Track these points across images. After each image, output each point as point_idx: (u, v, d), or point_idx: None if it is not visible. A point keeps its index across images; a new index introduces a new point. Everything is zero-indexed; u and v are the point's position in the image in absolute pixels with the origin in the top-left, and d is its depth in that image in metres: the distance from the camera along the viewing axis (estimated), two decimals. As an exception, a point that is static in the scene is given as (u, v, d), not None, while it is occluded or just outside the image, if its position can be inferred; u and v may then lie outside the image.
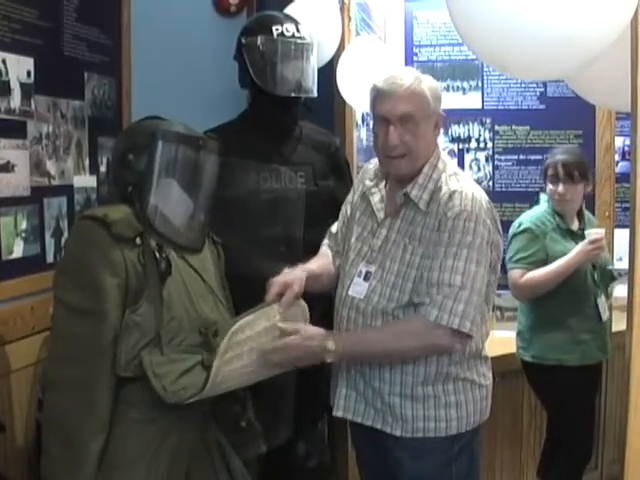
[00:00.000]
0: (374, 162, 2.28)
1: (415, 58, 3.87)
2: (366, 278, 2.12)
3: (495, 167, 3.88)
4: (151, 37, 3.08)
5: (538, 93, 3.82)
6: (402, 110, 2.06)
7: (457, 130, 3.87)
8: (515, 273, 3.08)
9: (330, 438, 3.15)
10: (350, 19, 3.36)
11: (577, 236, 3.08)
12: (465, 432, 2.12)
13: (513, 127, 3.86)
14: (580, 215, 3.20)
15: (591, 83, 2.12)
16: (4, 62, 2.22)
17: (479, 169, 3.87)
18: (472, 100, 3.86)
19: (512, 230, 3.16)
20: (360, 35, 3.42)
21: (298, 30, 2.69)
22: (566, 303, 3.05)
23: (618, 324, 3.12)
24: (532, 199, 3.38)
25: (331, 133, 2.98)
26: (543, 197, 3.21)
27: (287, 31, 2.67)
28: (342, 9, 3.31)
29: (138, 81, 3.02)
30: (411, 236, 2.08)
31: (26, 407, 2.31)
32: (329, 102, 3.27)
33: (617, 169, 3.86)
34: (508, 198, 3.83)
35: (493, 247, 2.06)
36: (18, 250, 2.32)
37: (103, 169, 2.78)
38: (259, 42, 2.65)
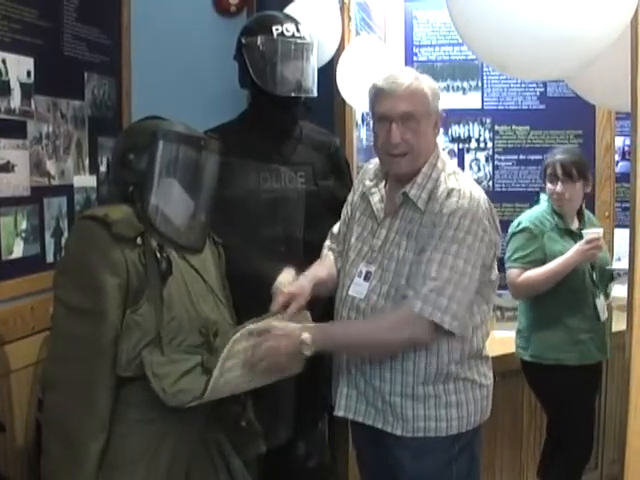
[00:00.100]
0: (374, 162, 2.28)
1: (415, 58, 3.87)
2: (366, 278, 2.12)
3: (495, 167, 3.88)
4: (151, 37, 3.08)
5: (538, 93, 3.82)
6: (403, 108, 2.06)
7: (457, 130, 3.87)
8: (513, 272, 3.08)
9: (330, 438, 3.15)
10: (350, 19, 3.36)
11: (576, 236, 3.08)
12: (466, 432, 2.12)
13: (513, 127, 3.86)
14: (580, 215, 3.20)
15: (591, 83, 2.12)
16: (4, 62, 2.22)
17: (479, 169, 3.87)
18: (472, 100, 3.86)
19: (511, 229, 3.16)
20: (360, 35, 3.42)
21: (298, 30, 2.69)
22: (564, 302, 3.05)
23: (618, 324, 3.12)
24: (532, 199, 3.39)
25: (331, 133, 2.98)
26: (543, 197, 3.21)
27: (287, 31, 2.67)
28: (342, 9, 3.31)
29: (138, 81, 3.03)
30: (408, 234, 2.09)
31: (26, 407, 2.31)
32: (329, 102, 3.27)
33: (617, 169, 3.86)
34: (508, 198, 3.83)
35: (490, 247, 2.06)
36: (18, 250, 2.32)
37: (103, 169, 2.78)
38: (259, 42, 2.65)
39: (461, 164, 3.83)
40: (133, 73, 3.02)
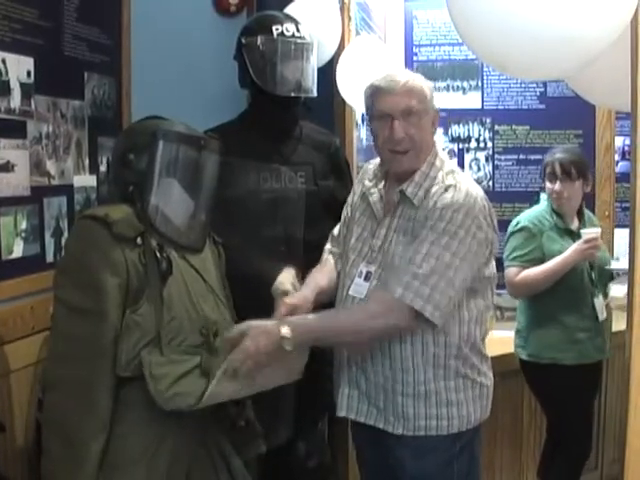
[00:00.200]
0: (373, 163, 2.28)
1: (415, 58, 3.87)
2: (366, 278, 2.12)
3: (495, 167, 3.88)
4: (151, 37, 3.08)
5: (538, 93, 3.82)
6: (404, 104, 2.07)
7: (457, 130, 3.87)
8: (511, 271, 3.08)
9: (330, 438, 3.15)
10: (350, 19, 3.36)
11: (575, 235, 3.08)
12: (466, 430, 2.12)
13: (513, 127, 3.86)
14: (580, 214, 3.20)
15: (591, 83, 2.12)
16: (4, 62, 2.22)
17: (479, 169, 3.88)
18: (472, 100, 3.86)
19: (510, 228, 3.17)
20: (360, 35, 3.43)
21: (298, 30, 2.69)
22: (562, 301, 3.05)
23: (618, 324, 3.12)
24: (532, 199, 3.39)
25: (331, 133, 2.98)
26: (543, 196, 3.22)
27: (287, 31, 2.67)
28: (342, 9, 3.31)
29: (138, 81, 3.02)
30: (405, 232, 2.08)
31: (26, 407, 2.31)
32: (329, 102, 3.27)
33: (617, 169, 3.87)
34: (508, 198, 3.83)
35: (483, 244, 2.05)
36: (18, 250, 2.32)
37: (103, 169, 2.78)
38: (259, 42, 2.65)
39: (461, 164, 3.83)
40: (133, 73, 3.02)
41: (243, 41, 2.69)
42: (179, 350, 1.93)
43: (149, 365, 1.85)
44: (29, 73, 2.34)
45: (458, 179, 2.09)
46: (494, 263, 2.16)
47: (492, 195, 3.50)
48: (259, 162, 2.64)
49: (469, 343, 2.10)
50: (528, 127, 3.85)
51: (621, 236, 3.55)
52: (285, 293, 2.43)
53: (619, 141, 3.95)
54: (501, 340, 3.29)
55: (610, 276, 3.24)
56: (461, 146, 3.89)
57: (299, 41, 2.67)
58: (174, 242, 2.03)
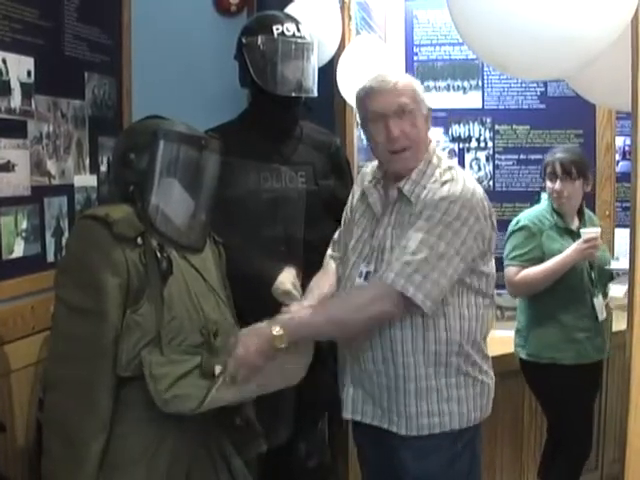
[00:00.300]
0: (371, 165, 2.28)
1: (415, 57, 3.87)
2: (366, 278, 2.12)
3: (495, 167, 3.88)
4: (151, 37, 3.08)
5: (538, 93, 3.82)
6: (398, 102, 2.07)
7: (457, 130, 3.87)
8: (510, 270, 3.08)
9: (330, 438, 3.15)
10: (350, 18, 3.36)
11: (576, 235, 3.08)
12: (467, 428, 2.12)
13: (513, 127, 3.86)
14: (580, 214, 3.20)
15: (591, 83, 2.12)
16: (4, 62, 2.22)
17: (479, 169, 3.87)
18: (472, 100, 3.85)
19: (510, 227, 3.17)
20: (360, 34, 3.43)
21: (298, 30, 2.69)
22: (562, 301, 3.05)
23: (618, 324, 3.12)
24: (532, 198, 3.39)
25: (331, 133, 2.98)
26: (544, 196, 3.22)
27: (287, 31, 2.67)
28: (342, 8, 3.31)
29: (138, 81, 3.03)
30: (400, 226, 2.09)
31: (26, 407, 2.31)
32: (329, 102, 3.28)
33: (617, 169, 3.86)
34: (508, 198, 3.83)
35: (479, 237, 2.05)
36: (18, 250, 2.32)
37: (103, 169, 2.78)
38: (260, 42, 2.65)
39: (461, 164, 3.82)
40: (133, 73, 3.02)
41: (243, 41, 2.69)
42: (179, 350, 1.93)
43: (149, 365, 1.85)
44: (29, 73, 2.34)
45: (455, 175, 2.10)
46: (493, 262, 2.16)
47: (492, 195, 3.50)
48: (259, 162, 2.64)
49: (470, 340, 2.11)
50: (528, 127, 3.84)
51: (621, 236, 3.55)
52: (286, 293, 2.44)
53: (619, 141, 3.94)
54: (501, 340, 3.29)
55: (610, 276, 3.24)
56: (461, 146, 3.88)
57: (299, 41, 2.67)
58: (174, 242, 2.03)
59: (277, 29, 2.66)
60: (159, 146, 2.01)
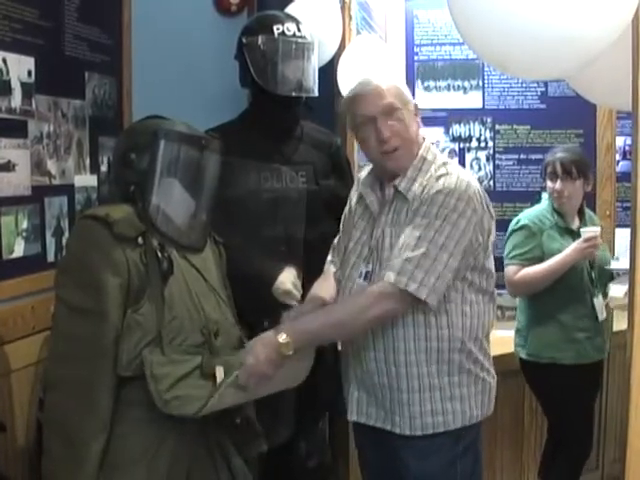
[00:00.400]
0: (367, 169, 2.29)
1: (416, 57, 3.86)
2: (366, 278, 2.12)
3: (496, 166, 3.88)
4: (152, 37, 3.08)
5: (539, 92, 3.81)
6: (384, 103, 2.09)
7: (458, 129, 3.87)
8: (510, 269, 3.08)
9: (331, 437, 3.15)
10: (351, 18, 3.36)
11: (576, 235, 3.08)
12: (470, 428, 2.12)
13: (514, 126, 3.85)
14: (581, 214, 3.20)
15: (592, 82, 2.12)
16: (5, 61, 2.22)
17: (480, 168, 3.87)
18: (473, 99, 3.85)
19: (510, 227, 3.17)
20: (361, 34, 3.43)
21: (299, 29, 2.69)
22: (562, 301, 3.05)
23: (619, 323, 3.12)
24: (533, 198, 3.39)
25: (332, 132, 2.98)
26: (544, 196, 3.22)
27: (288, 30, 2.67)
28: (343, 8, 3.31)
29: (139, 81, 3.03)
30: (396, 223, 2.10)
31: (27, 407, 2.31)
32: (330, 101, 3.27)
33: (618, 168, 3.85)
34: (509, 197, 3.82)
35: (478, 228, 2.05)
36: (19, 249, 2.32)
37: (104, 169, 2.78)
38: (260, 41, 2.65)
39: (462, 163, 3.81)
40: (134, 73, 3.02)
41: (244, 41, 2.69)
42: (180, 350, 1.93)
43: (150, 365, 1.85)
44: (30, 73, 2.34)
45: (449, 169, 2.11)
46: (492, 258, 2.16)
47: (493, 195, 3.49)
48: (260, 162, 2.64)
49: (472, 337, 2.11)
50: (529, 127, 3.84)
51: (622, 236, 3.54)
52: (286, 292, 2.45)
53: (620, 141, 3.94)
54: (501, 340, 3.28)
55: (610, 276, 3.24)
56: (462, 145, 3.88)
57: (300, 41, 2.67)
58: (175, 242, 2.03)
59: (278, 29, 2.66)
60: (160, 146, 2.01)
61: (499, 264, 2.28)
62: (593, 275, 3.10)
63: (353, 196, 2.30)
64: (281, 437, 2.60)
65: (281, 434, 2.60)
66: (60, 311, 1.92)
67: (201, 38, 3.30)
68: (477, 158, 3.87)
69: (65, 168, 2.55)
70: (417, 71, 3.84)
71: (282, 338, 1.95)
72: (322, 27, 3.04)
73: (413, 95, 3.78)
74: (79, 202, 2.64)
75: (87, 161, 2.70)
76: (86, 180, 2.69)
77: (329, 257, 2.36)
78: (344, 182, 2.76)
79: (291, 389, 2.21)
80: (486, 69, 3.80)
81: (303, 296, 2.45)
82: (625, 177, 3.51)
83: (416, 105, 2.19)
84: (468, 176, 2.12)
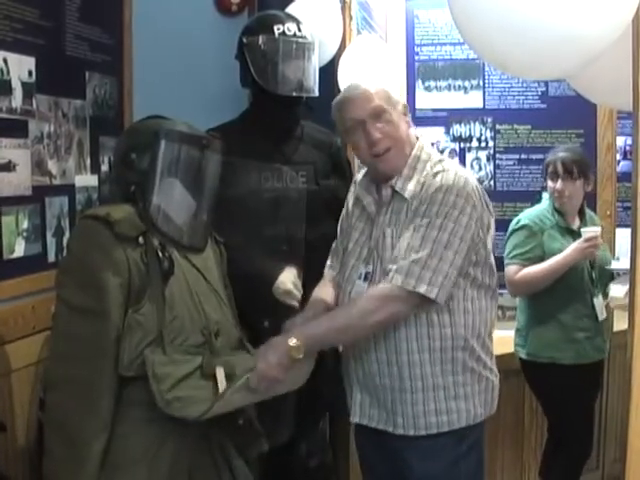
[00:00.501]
0: (362, 173, 2.29)
1: (416, 57, 3.86)
2: (366, 279, 2.13)
3: (496, 166, 3.88)
4: (152, 37, 3.08)
5: (539, 92, 3.81)
6: (372, 106, 2.11)
7: (458, 129, 3.87)
8: (511, 269, 3.08)
9: (331, 437, 3.15)
10: (351, 18, 3.36)
11: (576, 235, 3.08)
12: (473, 428, 2.12)
13: (514, 126, 3.85)
14: (581, 214, 3.20)
15: (592, 82, 2.11)
16: (5, 61, 2.22)
17: (480, 168, 3.87)
18: (473, 99, 3.85)
19: (511, 226, 3.17)
20: (361, 34, 3.42)
21: (299, 29, 2.69)
22: (562, 300, 3.05)
23: (619, 323, 3.12)
24: (533, 198, 3.39)
25: (332, 132, 2.96)
26: (545, 195, 3.22)
27: (288, 30, 2.67)
28: (343, 8, 3.31)
29: (139, 80, 3.03)
30: (396, 223, 2.10)
31: (27, 406, 2.31)
32: (330, 101, 3.25)
33: (618, 168, 3.85)
34: (509, 197, 3.82)
35: (479, 223, 2.06)
36: (19, 249, 2.32)
37: (104, 168, 2.78)
38: (260, 41, 2.65)
39: (462, 163, 3.82)
40: (134, 72, 3.02)
41: (244, 40, 2.69)
42: (181, 350, 1.93)
43: (152, 364, 1.85)
44: (30, 73, 2.34)
45: (446, 165, 2.12)
46: (492, 253, 2.17)
47: (494, 194, 3.50)
48: (260, 162, 2.64)
49: (475, 335, 2.11)
50: (529, 126, 3.84)
51: (622, 236, 3.54)
52: (286, 292, 2.44)
53: (620, 140, 3.94)
54: (502, 340, 3.28)
55: (610, 276, 3.24)
56: (462, 145, 3.88)
57: (300, 40, 2.67)
58: (176, 242, 2.03)
59: (278, 29, 2.66)
60: (160, 146, 2.00)
61: (499, 264, 2.28)
62: (593, 275, 3.10)
63: (350, 198, 2.31)
64: (282, 437, 2.60)
65: (282, 434, 2.60)
66: (61, 311, 1.92)
67: (202, 38, 3.30)
68: (478, 158, 3.87)
69: (66, 168, 2.55)
70: (418, 71, 3.85)
71: (292, 342, 1.97)
72: (322, 27, 3.04)
73: (414, 95, 3.83)
74: (80, 202, 2.64)
75: (88, 161, 2.70)
76: (87, 180, 2.69)
77: (328, 262, 2.35)
78: (344, 182, 2.75)
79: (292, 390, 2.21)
80: (486, 69, 3.81)
81: (303, 296, 2.45)
82: (626, 177, 3.50)
83: (405, 105, 2.20)
84: (465, 172, 2.13)
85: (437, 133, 3.83)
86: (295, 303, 2.47)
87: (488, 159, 3.88)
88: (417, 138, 2.20)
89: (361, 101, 2.12)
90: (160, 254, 1.95)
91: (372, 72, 3.00)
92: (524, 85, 3.81)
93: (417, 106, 3.82)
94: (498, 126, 3.86)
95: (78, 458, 1.85)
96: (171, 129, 2.04)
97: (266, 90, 2.64)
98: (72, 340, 1.88)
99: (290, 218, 2.65)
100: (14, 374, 2.26)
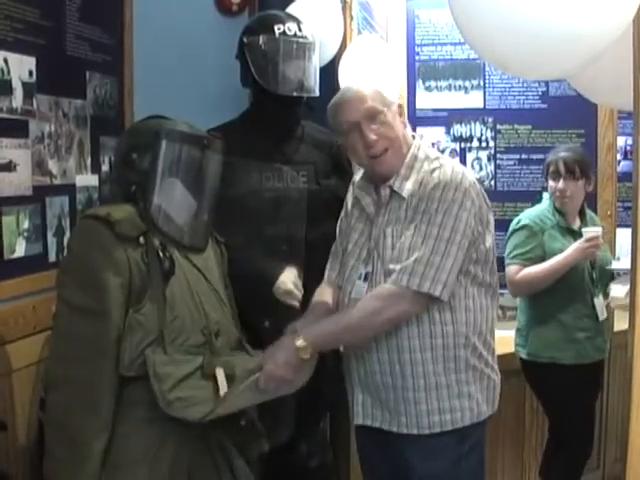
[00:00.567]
0: (359, 174, 2.29)
1: (417, 57, 3.86)
2: (365, 279, 2.13)
3: (497, 166, 3.87)
4: (153, 36, 3.08)
5: (540, 92, 3.81)
6: (366, 107, 2.11)
7: (459, 129, 3.86)
8: (512, 269, 3.08)
9: (332, 437, 3.15)
10: (352, 18, 3.36)
11: (577, 235, 3.08)
12: (475, 427, 2.12)
13: (515, 126, 3.85)
14: (582, 214, 3.20)
15: (593, 82, 2.12)
16: (6, 61, 2.22)
17: (481, 168, 3.87)
18: (474, 99, 3.85)
19: (511, 226, 3.17)
20: (362, 34, 3.42)
21: (300, 29, 2.69)
22: (562, 300, 3.05)
23: (620, 323, 3.12)
24: (534, 198, 3.38)
25: (333, 132, 2.97)
26: (545, 196, 3.22)
27: (289, 30, 2.67)
28: (344, 8, 3.31)
29: (140, 80, 3.03)
30: (396, 222, 2.10)
31: (28, 406, 2.31)
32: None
33: (619, 168, 3.85)
34: (510, 197, 3.82)
35: (478, 218, 2.07)
36: (20, 249, 2.32)
37: (105, 168, 2.79)
38: (261, 41, 2.65)
39: (463, 163, 3.82)
40: (135, 72, 3.02)
41: (245, 40, 2.69)
42: (182, 350, 1.93)
43: (153, 364, 1.85)
44: (31, 72, 2.34)
45: (442, 162, 2.13)
46: (493, 251, 2.17)
47: (494, 194, 3.50)
48: (261, 161, 2.64)
49: (476, 332, 2.11)
50: (530, 126, 3.84)
51: (623, 236, 3.54)
52: (287, 292, 2.45)
53: (621, 140, 3.94)
54: (502, 340, 3.28)
55: (611, 276, 3.24)
56: (463, 145, 3.88)
57: (301, 40, 2.67)
58: (176, 242, 2.03)
59: (279, 29, 2.66)
60: (161, 146, 2.01)
61: (500, 264, 2.28)
62: (594, 275, 3.10)
63: (349, 199, 2.31)
64: (282, 437, 2.60)
65: (282, 434, 2.60)
66: (61, 311, 1.92)
67: (202, 38, 3.30)
68: (478, 158, 3.87)
69: (66, 168, 2.55)
70: (418, 71, 3.84)
71: (300, 342, 1.99)
72: (323, 27, 3.04)
73: (414, 95, 3.82)
74: (80, 202, 2.64)
75: (88, 161, 2.70)
76: (87, 180, 2.69)
77: (328, 264, 2.35)
78: (345, 182, 2.74)
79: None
80: (487, 69, 3.81)
81: (304, 296, 2.45)
82: (626, 177, 3.51)
83: (400, 105, 2.21)
84: (462, 167, 2.14)
85: (437, 133, 3.82)
86: (296, 303, 2.47)
87: (489, 159, 3.88)
88: (413, 137, 2.21)
89: (355, 103, 2.13)
90: (161, 254, 1.95)
91: (373, 72, 3.00)
92: (525, 85, 3.80)
93: (417, 106, 3.82)
94: (499, 126, 3.86)
95: (78, 458, 1.85)
96: (172, 129, 2.04)
97: (267, 90, 2.64)
98: (73, 340, 1.89)
99: (291, 218, 2.65)
100: (15, 374, 2.26)
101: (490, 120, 3.86)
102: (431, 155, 2.17)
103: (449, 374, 2.08)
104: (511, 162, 3.87)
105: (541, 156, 3.53)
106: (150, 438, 1.92)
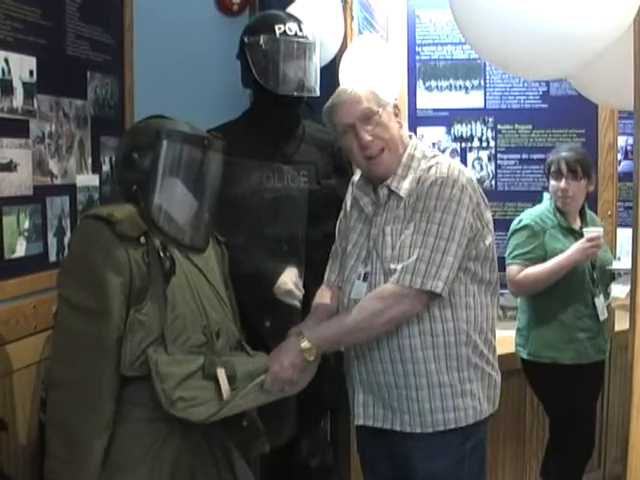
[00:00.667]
0: (358, 174, 2.30)
1: (417, 57, 3.86)
2: (365, 279, 2.13)
3: (498, 166, 3.87)
4: (154, 36, 3.08)
5: (541, 92, 3.81)
6: (360, 109, 2.12)
7: (460, 129, 3.86)
8: (512, 269, 3.08)
9: (332, 437, 3.15)
10: (352, 18, 3.35)
11: (578, 235, 3.08)
12: (477, 426, 2.13)
13: (516, 126, 3.85)
14: (582, 214, 3.20)
15: (594, 82, 2.11)
16: (7, 61, 2.22)
17: (481, 168, 3.87)
18: (475, 99, 3.85)
19: (512, 226, 3.17)
20: (362, 34, 3.42)
21: (300, 29, 2.69)
22: (562, 300, 3.05)
23: (620, 323, 3.11)
24: (535, 198, 3.38)
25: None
26: (546, 195, 3.21)
27: (290, 30, 2.67)
28: (344, 8, 3.30)
29: (141, 80, 3.02)
30: (395, 221, 2.11)
31: (29, 406, 2.31)
32: (331, 101, 3.27)
33: (619, 168, 3.85)
34: (511, 197, 3.82)
35: (476, 214, 2.08)
36: (21, 249, 2.32)
37: (105, 168, 2.78)
38: (262, 41, 2.65)
39: (464, 163, 3.81)
40: (136, 72, 3.01)
41: (245, 40, 2.69)
42: (183, 349, 1.93)
43: (155, 363, 1.85)
44: (32, 72, 2.34)
45: (439, 159, 2.14)
46: (493, 249, 2.17)
47: (495, 194, 3.51)
48: (262, 161, 2.64)
49: (477, 329, 2.12)
50: (531, 126, 3.84)
51: (623, 236, 3.54)
52: (287, 292, 2.45)
53: (622, 140, 3.94)
54: (503, 340, 3.28)
55: (611, 276, 3.23)
56: (464, 145, 3.88)
57: (302, 40, 2.67)
58: (177, 241, 2.03)
59: (279, 28, 2.66)
60: (162, 146, 2.01)
61: (501, 264, 2.28)
62: (594, 275, 3.09)
63: (347, 200, 2.32)
64: (283, 437, 2.60)
65: (283, 434, 2.60)
66: (62, 310, 1.92)
67: (203, 38, 3.30)
68: (479, 158, 3.87)
69: (67, 168, 2.55)
70: (419, 71, 3.84)
71: (305, 344, 2.01)
72: (324, 27, 3.04)
73: (415, 95, 3.82)
74: (81, 202, 2.64)
75: (89, 161, 2.69)
76: (88, 180, 2.69)
77: (328, 265, 2.35)
78: (345, 182, 2.75)
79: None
80: (488, 69, 3.80)
81: (304, 296, 2.45)
82: (627, 177, 3.52)
83: (396, 105, 2.21)
84: (459, 164, 2.15)
85: (438, 133, 3.83)
86: (296, 303, 2.47)
87: (489, 159, 3.88)
88: (410, 137, 2.21)
89: (349, 105, 2.14)
90: (161, 254, 1.95)
91: (373, 72, 3.00)
92: (525, 85, 3.80)
93: (418, 106, 3.83)
94: (499, 126, 3.86)
95: (79, 458, 1.85)
96: (173, 129, 2.04)
97: (267, 90, 2.64)
98: (73, 340, 1.89)
99: (291, 218, 2.65)
100: (15, 374, 2.26)
101: (491, 120, 3.86)
102: (428, 153, 2.17)
103: (451, 372, 2.09)
104: (512, 162, 3.87)
105: (542, 156, 3.53)
106: (151, 438, 1.93)
